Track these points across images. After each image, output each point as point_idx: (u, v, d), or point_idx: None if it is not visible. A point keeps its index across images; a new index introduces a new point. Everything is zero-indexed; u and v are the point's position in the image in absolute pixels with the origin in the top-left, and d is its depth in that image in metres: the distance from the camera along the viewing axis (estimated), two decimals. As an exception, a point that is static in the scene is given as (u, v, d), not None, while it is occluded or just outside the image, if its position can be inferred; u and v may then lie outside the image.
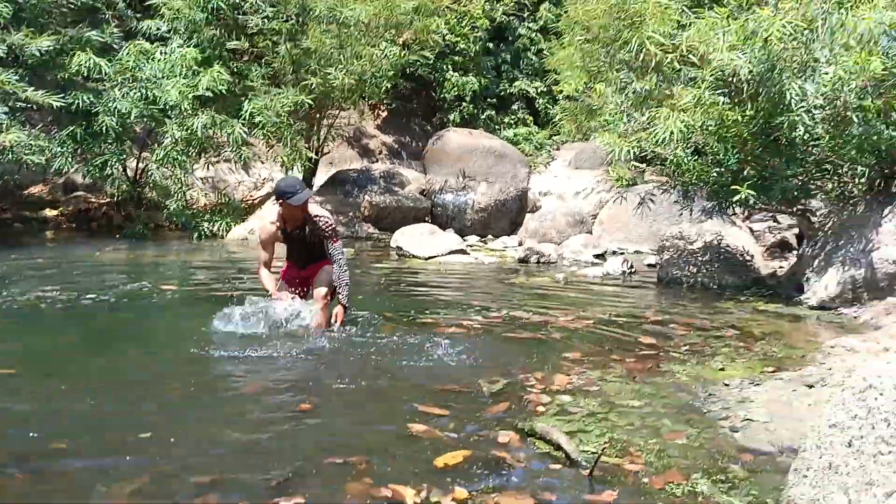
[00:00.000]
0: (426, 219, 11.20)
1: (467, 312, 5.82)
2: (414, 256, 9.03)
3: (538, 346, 4.85)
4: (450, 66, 14.90)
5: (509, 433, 3.18)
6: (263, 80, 10.40)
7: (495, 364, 4.32)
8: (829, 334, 5.24)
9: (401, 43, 11.97)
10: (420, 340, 4.70)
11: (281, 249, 5.11)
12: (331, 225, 4.93)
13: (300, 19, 10.59)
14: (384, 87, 11.93)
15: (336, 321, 4.88)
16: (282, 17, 10.51)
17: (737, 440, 3.17)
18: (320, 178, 12.15)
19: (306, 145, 10.94)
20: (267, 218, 5.29)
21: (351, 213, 11.10)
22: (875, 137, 5.87)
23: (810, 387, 3.84)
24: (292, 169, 10.55)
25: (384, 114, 15.83)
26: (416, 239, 9.35)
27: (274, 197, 4.82)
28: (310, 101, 10.29)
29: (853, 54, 5.72)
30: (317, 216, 4.91)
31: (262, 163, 11.53)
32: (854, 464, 2.35)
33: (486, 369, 4.18)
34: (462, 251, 9.18)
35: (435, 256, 8.93)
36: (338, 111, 12.43)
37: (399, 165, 14.07)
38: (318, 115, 11.66)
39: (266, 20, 10.45)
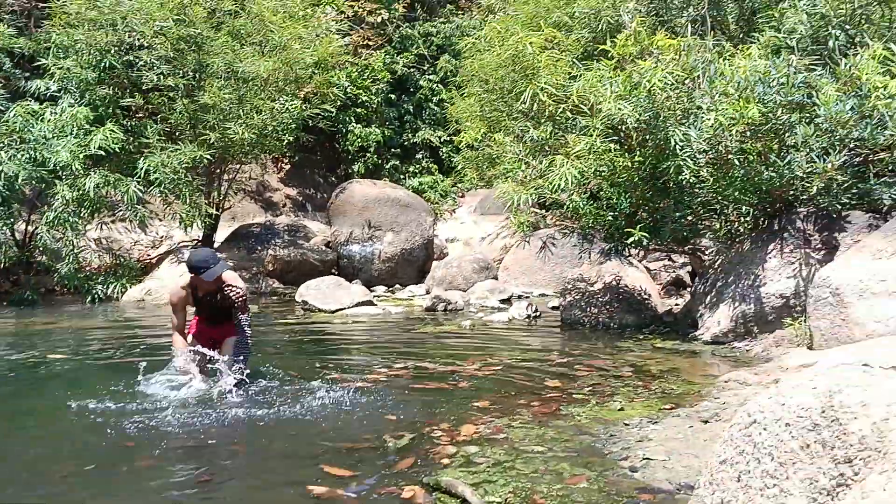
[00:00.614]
0: (332, 271, 11.13)
1: (373, 365, 5.79)
2: (320, 310, 8.92)
3: (445, 395, 4.85)
4: (353, 118, 15.00)
5: (414, 488, 3.16)
6: (160, 136, 10.19)
7: (402, 417, 4.29)
8: (723, 369, 5.46)
9: (302, 97, 12.00)
10: (325, 397, 4.63)
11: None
12: (242, 297, 4.88)
13: (197, 75, 10.48)
14: (286, 141, 11.89)
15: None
16: (178, 74, 10.36)
17: (636, 479, 3.24)
18: (222, 234, 11.91)
19: (206, 201, 10.74)
20: (178, 283, 5.22)
21: (255, 269, 10.91)
22: (756, 178, 6.22)
23: (706, 422, 3.98)
24: (192, 226, 10.31)
25: (287, 167, 15.73)
26: (322, 292, 9.26)
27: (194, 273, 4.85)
28: (209, 157, 10.13)
29: (732, 101, 6.06)
30: (229, 286, 4.87)
31: (160, 220, 11.22)
32: (743, 498, 2.44)
33: (392, 423, 4.16)
34: (369, 302, 9.14)
35: (342, 309, 8.85)
36: (239, 165, 12.28)
37: (304, 218, 13.98)
38: (217, 171, 11.48)
39: (161, 76, 10.28)
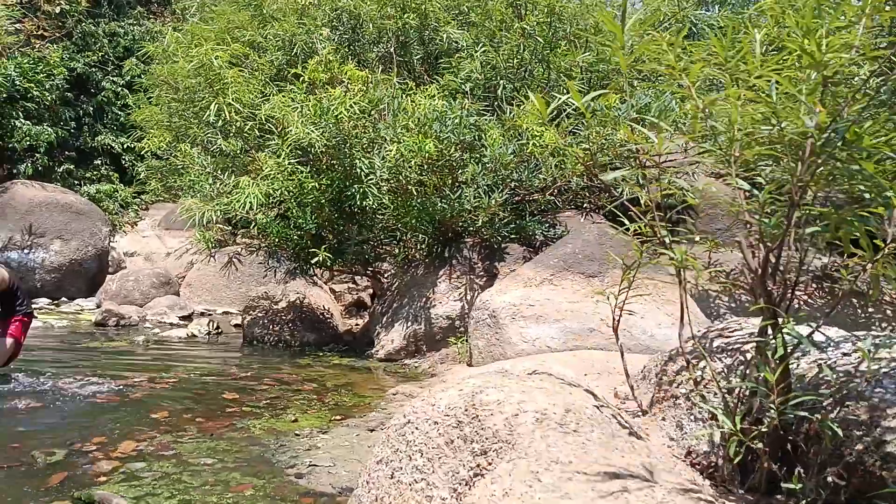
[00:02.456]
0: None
1: (25, 381, 5.21)
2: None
3: (111, 411, 4.53)
4: (21, 113, 13.43)
5: (63, 505, 2.92)
6: None
7: (58, 433, 3.94)
8: (393, 383, 5.78)
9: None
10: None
11: None
12: None
13: None
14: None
15: None
16: None
17: (301, 485, 3.32)
18: None
19: None
20: None
21: None
22: (431, 209, 6.72)
23: (372, 430, 4.20)
24: None
25: (-68, 159, 13.60)
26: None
27: None
28: None
29: (412, 135, 6.51)
30: None
31: None
32: (395, 493, 2.63)
33: (46, 440, 3.79)
34: (26, 316, 8.18)
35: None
36: None
37: (-50, 219, 12.14)
38: None
39: None
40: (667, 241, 2.96)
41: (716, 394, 2.93)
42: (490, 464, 2.40)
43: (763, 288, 2.96)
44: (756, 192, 2.95)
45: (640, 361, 3.78)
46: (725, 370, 3.03)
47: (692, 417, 2.92)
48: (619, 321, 3.44)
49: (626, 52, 2.29)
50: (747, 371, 2.93)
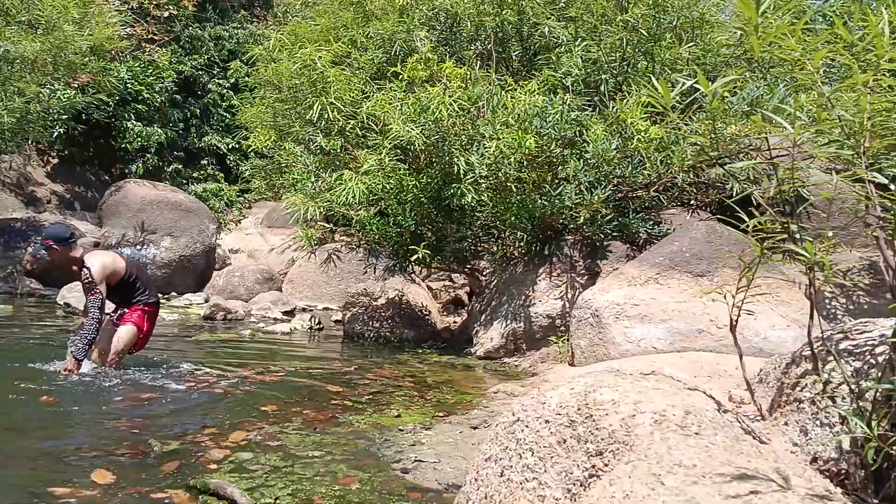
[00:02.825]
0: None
1: (142, 371, 5.43)
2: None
3: (220, 401, 4.67)
4: (133, 115, 14.12)
5: (178, 492, 3.00)
6: None
7: (173, 422, 4.10)
8: (494, 381, 5.74)
9: (76, 86, 11.09)
10: (89, 400, 4.28)
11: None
12: (87, 278, 5.03)
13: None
14: (55, 132, 10.90)
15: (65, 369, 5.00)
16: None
17: (407, 480, 3.31)
18: (-29, 228, 10.65)
19: (-46, 190, 9.57)
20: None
21: (10, 268, 9.85)
22: (530, 206, 6.64)
23: (475, 428, 4.16)
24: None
25: (55, 161, 14.44)
26: (87, 295, 8.55)
27: (61, 241, 5.13)
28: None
29: (512, 132, 6.44)
30: (85, 266, 5.06)
31: None
32: (505, 492, 2.58)
33: (161, 428, 3.94)
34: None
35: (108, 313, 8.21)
36: (-4, 154, 11.10)
37: (72, 217, 12.86)
38: (-30, 157, 10.29)
39: None
40: (797, 237, 2.79)
41: (844, 398, 2.75)
42: (606, 465, 2.32)
43: (903, 286, 2.75)
44: (892, 185, 2.75)
45: (755, 364, 3.60)
46: (854, 373, 2.85)
47: (818, 422, 2.75)
48: (737, 322, 3.28)
49: (758, 38, 2.16)
50: (880, 374, 2.73)
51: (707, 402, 2.57)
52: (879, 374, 2.69)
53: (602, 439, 2.34)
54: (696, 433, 2.30)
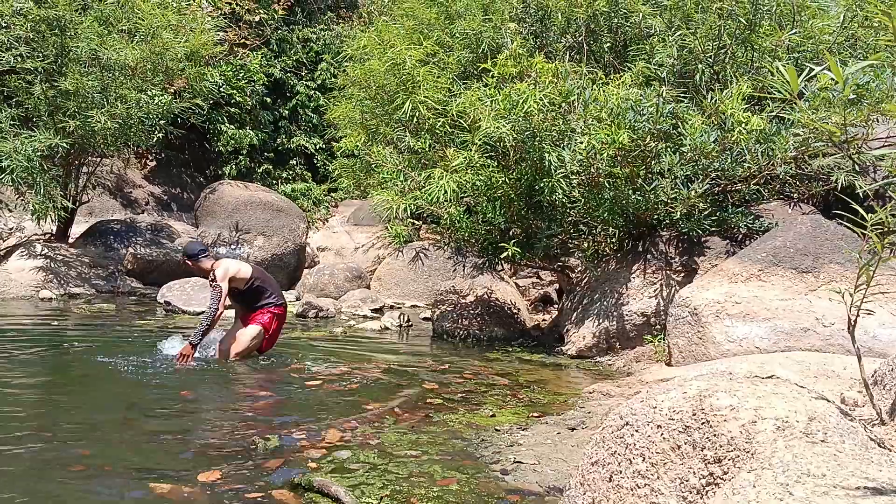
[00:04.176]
0: (197, 273, 10.66)
1: (239, 367, 5.57)
2: (183, 312, 8.53)
3: (317, 398, 4.74)
4: (225, 118, 14.56)
5: (284, 491, 3.04)
6: (14, 121, 9.44)
7: (274, 418, 4.19)
8: (588, 381, 5.63)
9: (172, 91, 11.49)
10: (191, 395, 4.41)
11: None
12: (212, 279, 5.64)
13: (59, 59, 9.80)
14: (154, 137, 11.33)
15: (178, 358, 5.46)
16: (38, 56, 9.64)
17: (507, 482, 3.27)
18: (78, 229, 11.18)
19: (62, 193, 10.03)
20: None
21: (112, 267, 10.30)
22: (623, 201, 6.49)
23: (572, 429, 4.08)
24: (44, 218, 9.56)
25: (152, 164, 15.03)
26: (186, 293, 8.86)
27: (193, 256, 5.84)
28: (65, 145, 9.47)
29: (604, 126, 6.30)
30: (213, 271, 5.69)
31: (10, 211, 10.39)
32: (614, 497, 2.50)
33: (264, 425, 4.02)
34: (236, 306, 8.82)
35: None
36: (99, 158, 11.61)
37: (168, 218, 13.37)
38: (76, 162, 10.79)
39: (20, 58, 9.53)
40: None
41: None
42: (725, 473, 2.21)
43: None
44: None
45: (868, 365, 3.40)
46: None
47: (948, 431, 2.57)
48: (856, 322, 3.10)
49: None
50: None
51: (830, 408, 2.43)
52: None
53: (721, 446, 2.24)
54: (822, 440, 2.18)
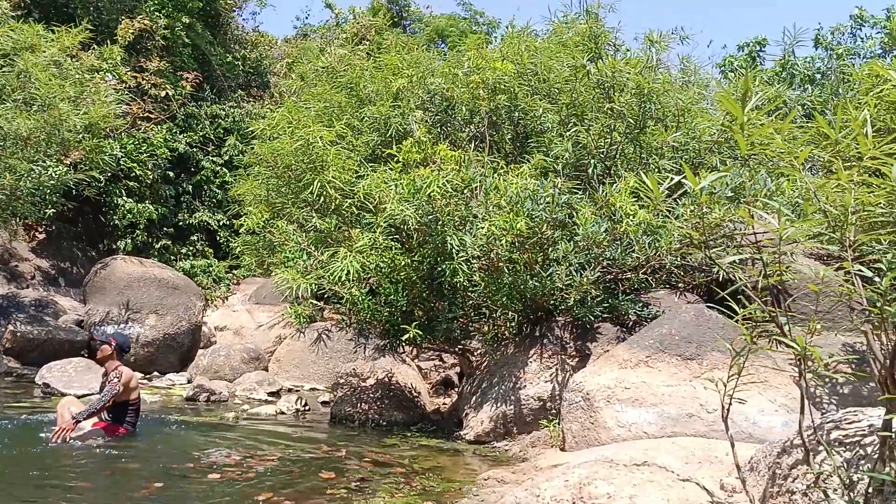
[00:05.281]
0: (83, 353, 10.14)
1: (117, 459, 5.30)
2: (63, 394, 8.07)
3: (207, 490, 4.54)
4: (123, 192, 14.17)
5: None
6: None
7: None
8: (485, 467, 5.63)
9: (68, 162, 11.16)
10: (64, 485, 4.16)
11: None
12: (117, 377, 6.05)
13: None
14: (47, 210, 10.91)
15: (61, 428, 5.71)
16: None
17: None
18: (-46, 303, 10.52)
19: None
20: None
21: (-10, 345, 9.71)
22: (522, 286, 6.66)
23: (465, 517, 4.05)
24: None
25: (41, 236, 14.40)
26: (68, 374, 8.42)
27: (113, 348, 6.28)
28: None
29: (504, 213, 6.52)
30: (117, 370, 6.15)
31: None
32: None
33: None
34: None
35: (89, 395, 8.06)
36: (-16, 229, 11.07)
37: (55, 293, 12.76)
38: (-44, 232, 10.25)
39: None
40: (786, 328, 2.80)
41: (836, 489, 2.71)
42: (603, 562, 2.26)
43: (891, 377, 2.76)
44: (877, 278, 2.78)
45: (746, 451, 3.56)
46: (845, 464, 2.81)
47: (813, 516, 2.71)
48: (728, 410, 3.26)
49: (744, 134, 2.22)
50: (871, 466, 2.70)
51: (701, 495, 2.53)
52: (870, 466, 2.66)
53: (598, 534, 2.29)
54: (694, 529, 2.26)
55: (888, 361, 2.33)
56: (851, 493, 2.53)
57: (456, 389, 9.02)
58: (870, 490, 2.44)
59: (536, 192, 6.58)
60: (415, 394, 7.87)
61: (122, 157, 13.54)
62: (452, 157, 7.08)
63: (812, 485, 2.77)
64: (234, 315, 13.55)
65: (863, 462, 2.69)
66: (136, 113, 14.27)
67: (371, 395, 7.70)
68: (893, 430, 2.33)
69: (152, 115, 14.84)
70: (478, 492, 4.74)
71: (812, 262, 6.69)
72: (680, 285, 7.34)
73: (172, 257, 14.83)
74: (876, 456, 2.58)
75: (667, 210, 6.39)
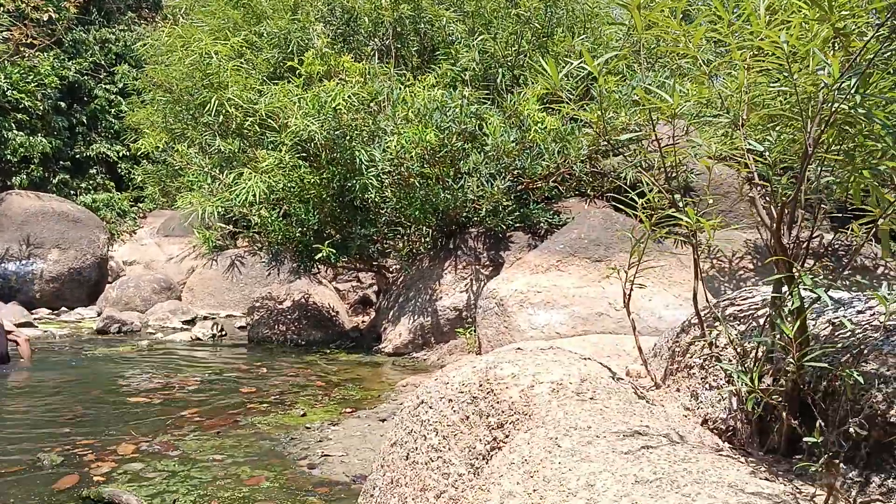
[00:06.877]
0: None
1: (30, 389, 5.14)
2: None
3: (113, 413, 4.46)
4: (13, 125, 13.36)
5: (70, 504, 2.84)
6: None
7: (62, 436, 3.88)
8: (403, 376, 5.71)
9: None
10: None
11: None
12: None
13: None
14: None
15: None
16: None
17: (314, 475, 3.25)
18: None
19: None
20: None
21: None
22: (434, 200, 6.65)
23: (383, 420, 4.12)
24: None
25: (-72, 174, 13.54)
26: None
27: None
28: None
29: (412, 126, 6.44)
30: None
31: None
32: (411, 474, 2.56)
33: (51, 442, 3.73)
34: (28, 324, 8.13)
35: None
36: None
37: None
38: None
39: None
40: (680, 204, 2.88)
41: (730, 360, 2.86)
42: (507, 436, 2.33)
43: (779, 242, 2.87)
44: (766, 152, 2.88)
45: (651, 341, 3.71)
46: (739, 336, 2.96)
47: (707, 386, 2.85)
48: (629, 297, 3.36)
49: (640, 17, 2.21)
50: (762, 333, 2.85)
51: (602, 371, 2.63)
52: (761, 333, 2.80)
53: (503, 412, 2.35)
54: (591, 398, 2.35)
55: (774, 225, 2.43)
56: (744, 361, 2.66)
57: (374, 308, 9.06)
58: (759, 356, 2.57)
59: (445, 103, 6.50)
60: (333, 313, 7.87)
61: (7, 87, 12.71)
62: (357, 69, 6.91)
63: (708, 357, 2.91)
64: (143, 249, 13.16)
65: (756, 332, 2.83)
66: (18, 39, 13.33)
67: (288, 317, 7.66)
68: (783, 292, 2.44)
69: (36, 41, 13.89)
70: (395, 396, 4.82)
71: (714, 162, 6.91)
72: (590, 192, 7.47)
73: (72, 192, 14.21)
74: (766, 324, 2.72)
75: (573, 110, 6.44)
